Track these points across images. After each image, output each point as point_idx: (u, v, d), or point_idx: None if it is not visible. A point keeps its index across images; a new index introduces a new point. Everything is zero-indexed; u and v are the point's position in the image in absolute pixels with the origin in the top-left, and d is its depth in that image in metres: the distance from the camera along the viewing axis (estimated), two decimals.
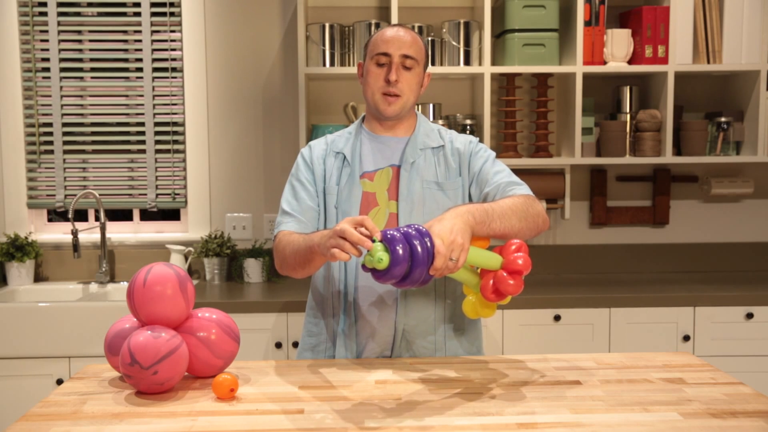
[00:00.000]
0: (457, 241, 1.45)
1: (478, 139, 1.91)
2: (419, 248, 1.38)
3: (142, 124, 3.26)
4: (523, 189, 1.77)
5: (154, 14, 3.21)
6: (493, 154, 1.88)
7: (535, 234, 1.72)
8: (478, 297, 1.58)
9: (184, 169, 3.27)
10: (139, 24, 3.22)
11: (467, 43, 2.99)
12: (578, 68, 2.94)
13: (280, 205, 1.87)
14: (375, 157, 1.85)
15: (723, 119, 3.03)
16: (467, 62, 3.00)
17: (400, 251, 1.37)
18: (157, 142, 3.26)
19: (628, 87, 3.11)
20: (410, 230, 1.41)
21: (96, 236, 3.24)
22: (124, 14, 3.22)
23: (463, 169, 1.85)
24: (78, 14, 3.23)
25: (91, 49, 3.24)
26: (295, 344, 2.73)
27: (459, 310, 1.83)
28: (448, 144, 1.87)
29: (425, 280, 1.43)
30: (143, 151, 3.27)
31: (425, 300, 1.80)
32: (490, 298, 1.51)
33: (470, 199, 1.85)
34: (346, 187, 1.81)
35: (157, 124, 3.26)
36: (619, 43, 2.97)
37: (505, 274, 1.49)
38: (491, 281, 1.51)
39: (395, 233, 1.40)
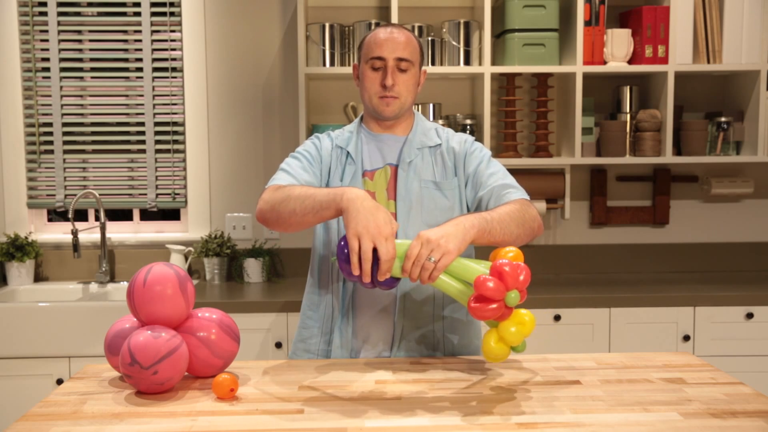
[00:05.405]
0: (439, 243, 1.47)
1: (473, 138, 1.91)
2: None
3: (142, 124, 3.26)
4: (518, 192, 1.77)
5: (154, 14, 3.21)
6: (489, 153, 1.87)
7: (531, 239, 1.72)
8: (486, 333, 1.52)
9: (184, 169, 3.27)
10: (139, 24, 3.22)
11: (467, 43, 2.99)
12: (578, 68, 2.94)
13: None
14: (374, 156, 1.85)
15: (723, 119, 3.03)
16: (467, 62, 3.00)
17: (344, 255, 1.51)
18: (157, 142, 3.26)
19: (628, 87, 3.11)
20: None
21: (96, 236, 3.24)
22: (124, 14, 3.22)
23: (458, 168, 1.85)
24: (78, 14, 3.23)
25: (91, 49, 3.24)
26: None
27: (457, 309, 1.84)
28: (444, 143, 1.87)
29: (383, 284, 1.51)
30: (143, 151, 3.27)
31: (424, 298, 1.80)
32: (471, 309, 1.43)
33: (465, 200, 1.85)
34: (349, 185, 1.81)
35: (157, 124, 3.26)
36: (619, 43, 2.97)
37: (485, 277, 1.42)
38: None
39: (344, 242, 1.52)
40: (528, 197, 1.78)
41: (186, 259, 3.22)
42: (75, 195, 3.17)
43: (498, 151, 3.13)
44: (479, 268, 1.50)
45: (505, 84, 3.11)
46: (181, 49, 3.22)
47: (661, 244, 3.32)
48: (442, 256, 1.47)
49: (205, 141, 3.24)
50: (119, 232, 3.32)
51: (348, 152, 1.85)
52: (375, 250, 1.47)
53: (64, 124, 3.25)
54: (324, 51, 3.00)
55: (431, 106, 3.07)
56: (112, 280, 3.24)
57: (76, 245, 3.05)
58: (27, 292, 3.14)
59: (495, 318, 1.46)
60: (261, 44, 3.23)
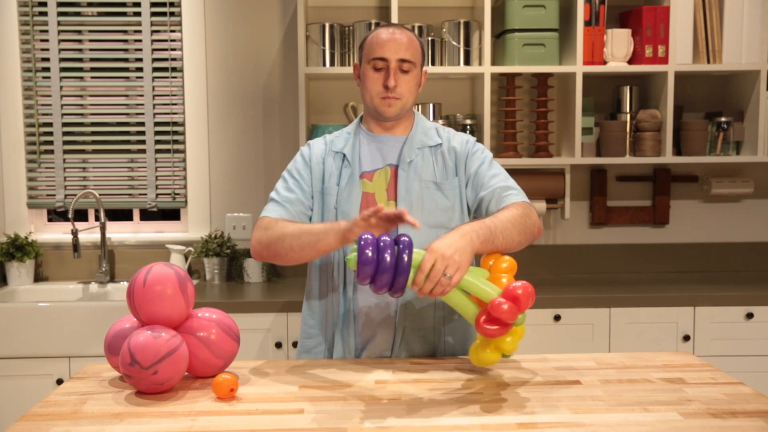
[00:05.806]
0: (454, 258, 1.47)
1: (475, 139, 1.91)
2: (387, 255, 1.43)
3: (142, 124, 3.26)
4: (519, 195, 1.77)
5: (154, 14, 3.21)
6: (490, 155, 1.87)
7: (531, 242, 1.73)
8: (479, 342, 1.55)
9: (184, 169, 3.27)
10: (139, 24, 3.22)
11: (467, 43, 2.99)
12: (578, 68, 2.94)
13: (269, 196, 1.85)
14: (373, 157, 1.85)
15: (723, 119, 3.03)
16: (467, 62, 3.00)
17: (369, 253, 1.43)
18: (157, 142, 3.26)
19: (628, 87, 3.11)
20: (388, 237, 1.47)
21: (96, 236, 3.24)
22: (124, 14, 3.22)
23: (459, 169, 1.84)
24: (78, 14, 3.23)
25: (91, 49, 3.24)
26: (296, 344, 2.73)
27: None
28: (445, 142, 1.87)
29: (397, 288, 1.46)
30: (143, 151, 3.27)
31: (425, 301, 1.79)
32: (482, 329, 1.46)
33: (466, 201, 1.84)
34: (346, 187, 1.81)
35: (157, 124, 3.26)
36: (619, 43, 2.97)
37: (499, 300, 1.44)
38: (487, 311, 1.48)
39: (369, 237, 1.45)
40: (528, 201, 1.78)
41: (186, 259, 3.22)
42: (75, 195, 3.17)
43: (498, 151, 3.13)
44: (484, 288, 1.50)
45: (505, 84, 3.11)
46: (181, 49, 3.22)
47: (661, 244, 3.32)
48: (457, 271, 1.47)
49: (205, 141, 3.24)
50: (119, 232, 3.32)
51: (344, 154, 1.84)
52: (392, 257, 1.46)
53: (64, 124, 3.25)
54: (324, 51, 3.00)
55: (431, 106, 3.07)
56: (112, 280, 3.24)
57: (76, 245, 3.05)
58: (27, 292, 3.14)
59: (499, 336, 1.48)
60: (261, 44, 3.23)
